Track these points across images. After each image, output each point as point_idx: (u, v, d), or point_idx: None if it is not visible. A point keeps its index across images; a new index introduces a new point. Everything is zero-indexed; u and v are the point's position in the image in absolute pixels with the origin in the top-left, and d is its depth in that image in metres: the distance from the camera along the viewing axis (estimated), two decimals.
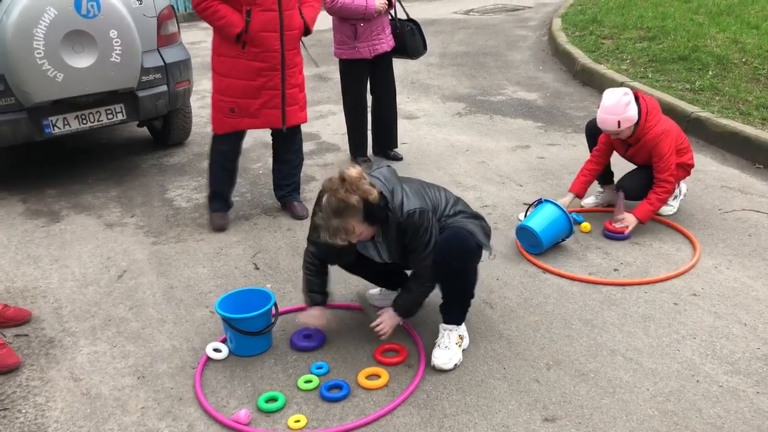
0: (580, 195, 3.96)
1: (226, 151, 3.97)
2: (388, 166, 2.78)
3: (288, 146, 4.11)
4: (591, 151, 4.07)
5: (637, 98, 3.65)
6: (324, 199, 2.53)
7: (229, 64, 3.73)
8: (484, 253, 2.82)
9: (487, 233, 2.84)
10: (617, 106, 3.57)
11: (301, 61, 3.93)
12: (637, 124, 3.64)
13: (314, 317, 2.88)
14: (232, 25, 3.60)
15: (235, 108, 3.79)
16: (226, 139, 3.92)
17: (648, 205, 3.71)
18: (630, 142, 3.76)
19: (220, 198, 4.08)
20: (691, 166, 3.91)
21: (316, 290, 2.88)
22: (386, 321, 2.81)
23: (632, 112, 3.58)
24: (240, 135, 3.97)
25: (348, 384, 2.62)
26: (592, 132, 4.05)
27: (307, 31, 3.89)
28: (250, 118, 3.83)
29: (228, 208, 4.14)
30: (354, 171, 2.53)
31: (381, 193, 2.54)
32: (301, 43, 3.90)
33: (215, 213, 4.07)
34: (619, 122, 3.58)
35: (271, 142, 4.19)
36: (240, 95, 3.76)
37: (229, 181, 4.08)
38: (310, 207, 4.25)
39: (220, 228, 4.00)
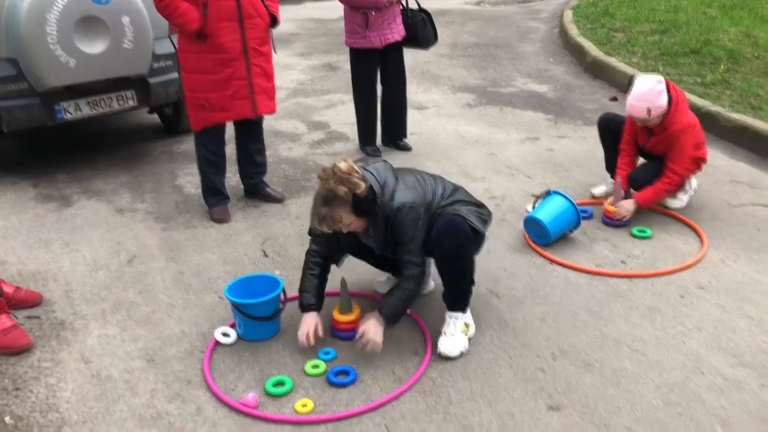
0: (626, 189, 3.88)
1: (209, 145, 3.98)
2: (384, 161, 2.81)
3: (254, 137, 4.16)
4: (603, 146, 4.07)
5: (668, 87, 3.64)
6: (317, 189, 2.61)
7: (194, 59, 3.74)
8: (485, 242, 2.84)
9: (485, 220, 2.86)
10: (649, 93, 3.57)
11: (269, 50, 3.92)
12: (666, 113, 3.63)
13: (314, 325, 2.78)
14: (190, 22, 3.60)
15: (206, 103, 3.80)
16: (207, 132, 3.94)
17: (651, 192, 3.71)
18: (655, 131, 3.74)
19: (213, 192, 4.10)
20: (704, 160, 3.89)
21: (312, 292, 2.83)
22: (371, 329, 2.66)
23: (663, 100, 3.58)
24: (220, 127, 3.98)
25: (354, 369, 2.65)
26: (608, 127, 4.02)
27: (273, 22, 3.87)
28: (222, 111, 3.84)
29: (225, 200, 4.14)
30: (344, 164, 2.60)
31: (371, 187, 2.59)
32: (269, 32, 3.90)
33: (213, 208, 4.09)
34: (649, 110, 3.58)
35: (234, 133, 4.18)
36: (209, 90, 3.77)
37: (219, 173, 4.09)
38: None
39: (221, 221, 4.02)
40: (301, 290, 2.87)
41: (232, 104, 3.82)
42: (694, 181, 4.02)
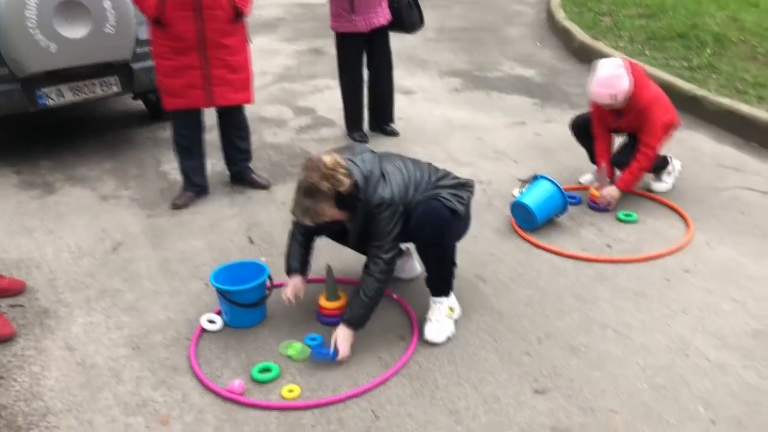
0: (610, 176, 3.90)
1: (179, 128, 3.99)
2: (372, 151, 2.78)
3: (235, 123, 4.13)
4: (582, 144, 4.07)
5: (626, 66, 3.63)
6: (300, 177, 2.57)
7: (155, 44, 3.77)
8: (471, 228, 2.83)
9: (464, 201, 2.81)
10: (611, 79, 3.56)
11: (237, 41, 3.81)
12: (630, 93, 3.62)
13: (293, 287, 2.85)
14: (147, 8, 3.63)
15: (165, 88, 3.82)
16: (177, 116, 3.93)
17: (629, 175, 3.72)
18: (623, 112, 3.72)
19: (184, 176, 4.10)
20: (677, 124, 3.87)
21: (297, 258, 2.90)
22: (341, 343, 2.62)
23: (625, 83, 3.57)
24: (191, 112, 3.93)
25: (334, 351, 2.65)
26: (581, 125, 4.01)
27: (238, 13, 3.75)
28: (175, 98, 3.83)
29: (194, 187, 4.10)
30: (329, 159, 2.56)
31: (355, 182, 2.57)
32: (238, 23, 3.81)
33: (183, 190, 4.09)
34: (614, 95, 3.57)
35: (216, 119, 4.17)
36: (163, 75, 3.79)
37: (190, 159, 4.06)
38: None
39: (172, 205, 4.02)
40: (287, 257, 2.91)
41: (185, 92, 3.79)
42: (677, 163, 4.03)
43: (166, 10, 3.60)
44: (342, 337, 2.63)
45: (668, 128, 3.79)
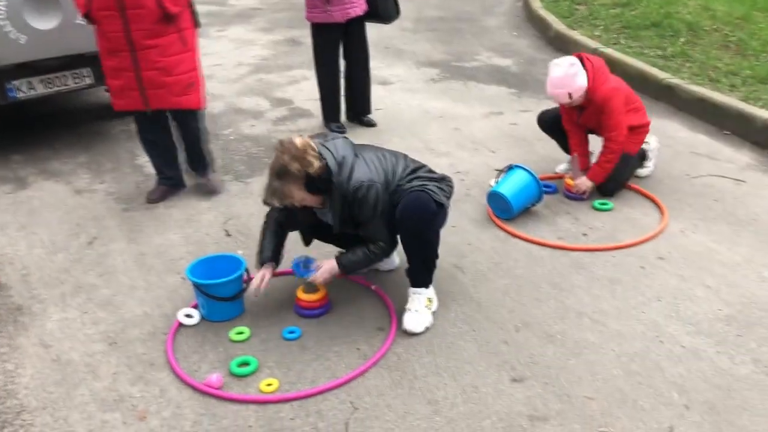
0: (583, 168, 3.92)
1: (143, 122, 3.88)
2: (345, 137, 2.79)
3: (182, 128, 3.94)
4: (552, 137, 4.09)
5: (582, 61, 3.63)
6: (272, 160, 2.60)
7: (97, 42, 3.66)
8: (449, 217, 2.86)
9: (447, 195, 2.84)
10: (565, 78, 3.57)
11: (170, 42, 3.56)
12: (587, 89, 3.63)
13: (260, 278, 2.81)
14: (78, 5, 3.55)
15: (110, 87, 3.74)
16: (135, 114, 3.85)
17: (598, 168, 3.75)
18: (583, 106, 3.74)
19: (156, 171, 4.05)
20: (647, 124, 3.91)
21: (268, 248, 2.88)
22: (323, 270, 2.77)
23: (581, 81, 3.58)
24: (143, 112, 3.78)
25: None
26: (548, 120, 4.03)
27: (167, 15, 3.49)
28: (118, 99, 3.73)
29: (166, 180, 4.03)
30: (299, 140, 2.58)
31: (326, 166, 2.57)
32: (174, 24, 3.57)
33: (157, 184, 4.04)
34: (570, 94, 3.59)
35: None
36: (106, 74, 3.72)
37: (159, 154, 3.98)
38: None
39: (147, 200, 3.96)
40: (260, 247, 2.91)
41: (123, 94, 3.68)
42: (653, 140, 4.04)
43: (92, 8, 3.47)
44: (327, 268, 2.77)
45: (637, 130, 3.81)
